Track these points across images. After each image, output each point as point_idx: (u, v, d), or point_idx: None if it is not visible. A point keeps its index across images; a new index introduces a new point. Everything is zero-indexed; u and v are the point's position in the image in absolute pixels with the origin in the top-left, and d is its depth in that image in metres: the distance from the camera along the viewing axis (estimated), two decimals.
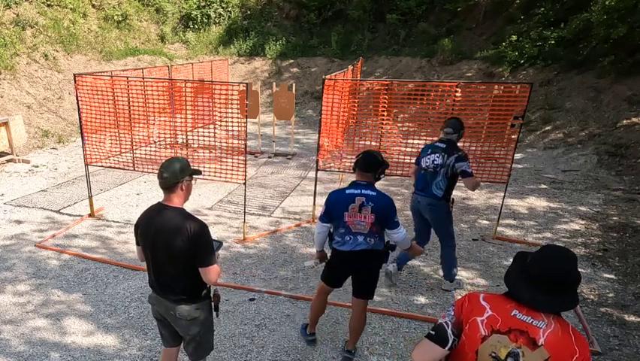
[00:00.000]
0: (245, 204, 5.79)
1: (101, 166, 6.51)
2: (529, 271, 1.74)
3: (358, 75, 9.95)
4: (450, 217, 4.41)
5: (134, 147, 6.30)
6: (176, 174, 2.53)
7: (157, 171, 2.60)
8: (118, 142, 6.51)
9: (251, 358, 3.62)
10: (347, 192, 3.20)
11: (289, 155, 9.62)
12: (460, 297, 1.85)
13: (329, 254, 3.51)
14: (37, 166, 8.46)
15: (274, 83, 11.16)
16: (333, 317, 4.05)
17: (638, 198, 7.05)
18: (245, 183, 5.57)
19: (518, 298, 1.72)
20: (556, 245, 1.87)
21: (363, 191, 3.17)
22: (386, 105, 6.14)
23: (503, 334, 1.67)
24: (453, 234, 4.47)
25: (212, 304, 2.76)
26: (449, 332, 1.77)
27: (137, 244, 2.71)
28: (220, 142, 6.80)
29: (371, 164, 3.22)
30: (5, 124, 8.38)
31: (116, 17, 14.86)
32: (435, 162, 4.19)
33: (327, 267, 3.50)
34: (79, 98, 5.89)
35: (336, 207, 3.22)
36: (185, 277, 2.56)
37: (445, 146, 4.21)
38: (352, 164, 3.37)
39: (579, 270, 1.74)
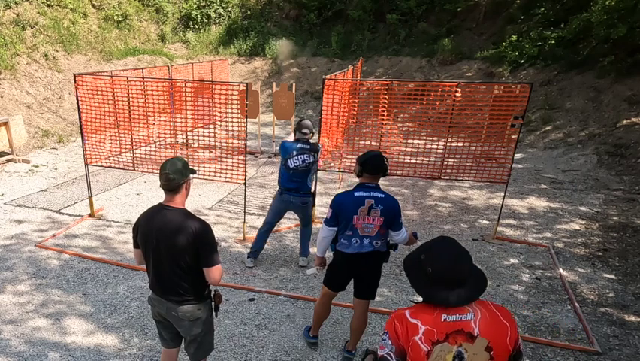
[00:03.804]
0: (245, 204, 5.79)
1: (101, 166, 6.51)
2: (434, 277, 1.77)
3: (358, 75, 9.95)
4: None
5: (134, 147, 6.29)
6: (182, 175, 2.54)
7: (157, 171, 2.60)
8: (118, 142, 6.50)
9: (251, 358, 3.62)
10: (355, 194, 3.16)
11: None
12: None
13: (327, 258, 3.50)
14: (37, 166, 8.46)
15: (274, 83, 11.16)
16: (333, 317, 4.04)
17: (638, 198, 7.05)
18: (245, 183, 5.57)
19: (439, 303, 1.75)
20: (437, 240, 1.90)
21: (372, 193, 3.14)
22: (386, 105, 6.13)
23: (443, 342, 1.70)
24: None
25: (213, 304, 2.76)
26: None
27: (136, 246, 2.70)
28: (220, 142, 6.80)
29: (381, 167, 3.18)
30: (5, 124, 8.37)
31: (116, 17, 14.86)
32: (306, 162, 4.66)
33: (330, 270, 3.47)
34: (79, 98, 5.88)
35: (344, 209, 3.17)
36: (188, 278, 2.57)
37: (309, 146, 4.69)
38: (355, 166, 3.32)
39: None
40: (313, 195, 4.84)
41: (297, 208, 4.84)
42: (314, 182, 4.95)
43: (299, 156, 4.63)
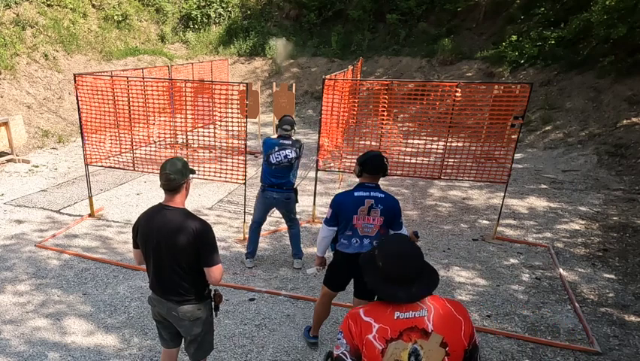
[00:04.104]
0: (245, 204, 5.79)
1: (101, 166, 6.51)
2: (384, 272, 1.79)
3: (358, 75, 9.95)
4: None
5: (134, 147, 6.29)
6: (183, 174, 2.55)
7: (157, 171, 2.61)
8: (118, 142, 6.50)
9: (251, 358, 3.62)
10: (355, 194, 3.16)
11: None
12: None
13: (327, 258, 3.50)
14: (37, 166, 8.47)
15: (274, 83, 11.16)
16: (334, 317, 4.04)
17: (638, 198, 7.05)
18: (245, 183, 5.58)
19: (393, 300, 1.76)
20: (390, 237, 1.97)
21: (372, 193, 3.14)
22: (386, 105, 6.13)
23: (397, 339, 1.71)
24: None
25: (213, 303, 2.77)
26: None
27: (135, 246, 2.71)
28: (220, 142, 6.80)
29: (380, 167, 3.18)
30: (5, 124, 8.37)
31: (116, 17, 14.86)
32: (287, 157, 4.68)
33: (330, 270, 3.47)
34: (79, 98, 5.89)
35: (344, 209, 3.17)
36: (188, 278, 2.57)
37: (290, 142, 4.71)
38: (355, 166, 3.32)
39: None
40: (295, 190, 4.86)
41: (280, 204, 4.85)
42: (299, 178, 5.00)
43: (280, 152, 4.66)
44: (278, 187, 4.73)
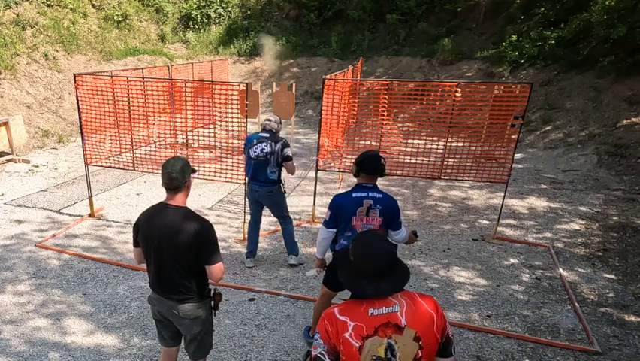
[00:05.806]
0: (245, 204, 5.78)
1: (101, 166, 6.52)
2: (359, 269, 1.82)
3: (358, 75, 9.95)
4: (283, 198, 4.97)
5: (134, 147, 6.29)
6: (184, 173, 2.56)
7: (157, 171, 2.62)
8: (118, 142, 6.50)
9: (251, 358, 3.62)
10: (354, 195, 3.15)
11: None
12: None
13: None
14: (37, 166, 8.47)
15: (274, 83, 11.16)
16: None
17: (638, 198, 7.05)
18: (245, 183, 5.57)
19: (365, 296, 1.79)
20: (363, 233, 1.99)
21: (370, 193, 3.14)
22: (386, 105, 6.13)
23: (373, 336, 1.73)
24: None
25: (212, 302, 2.77)
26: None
27: (136, 245, 2.71)
28: (220, 142, 6.80)
29: (377, 168, 3.17)
30: (5, 124, 8.37)
31: (116, 17, 14.86)
32: (264, 150, 4.62)
33: (329, 271, 3.47)
34: (79, 98, 5.89)
35: (342, 210, 3.17)
36: (190, 276, 2.58)
37: (268, 135, 4.65)
38: (352, 167, 3.32)
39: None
40: (279, 183, 4.78)
41: (264, 198, 4.82)
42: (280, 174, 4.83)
43: (258, 145, 4.63)
44: (259, 181, 4.73)
